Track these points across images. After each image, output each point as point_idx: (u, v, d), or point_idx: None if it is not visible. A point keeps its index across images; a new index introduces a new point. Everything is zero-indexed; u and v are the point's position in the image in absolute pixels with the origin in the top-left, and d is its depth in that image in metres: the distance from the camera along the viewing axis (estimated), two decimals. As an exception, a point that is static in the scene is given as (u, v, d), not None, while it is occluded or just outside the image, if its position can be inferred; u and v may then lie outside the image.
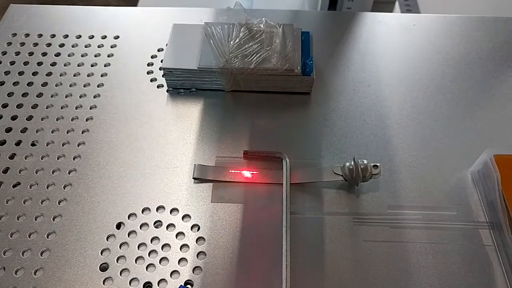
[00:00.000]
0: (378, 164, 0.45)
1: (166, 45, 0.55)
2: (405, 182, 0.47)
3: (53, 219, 0.44)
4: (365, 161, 0.45)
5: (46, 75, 0.56)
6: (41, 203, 0.45)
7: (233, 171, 0.47)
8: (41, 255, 0.42)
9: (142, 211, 0.45)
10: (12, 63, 0.57)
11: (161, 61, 0.56)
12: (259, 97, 0.54)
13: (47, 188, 0.46)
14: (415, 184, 0.47)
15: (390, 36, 0.62)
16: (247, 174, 0.47)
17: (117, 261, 0.42)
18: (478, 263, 0.42)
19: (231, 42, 0.52)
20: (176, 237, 0.43)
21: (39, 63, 0.57)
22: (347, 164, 0.45)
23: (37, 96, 0.54)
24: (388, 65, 0.58)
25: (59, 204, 0.45)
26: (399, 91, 0.55)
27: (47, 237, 0.43)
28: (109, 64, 0.57)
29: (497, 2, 0.83)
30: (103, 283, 0.40)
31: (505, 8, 0.82)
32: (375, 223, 0.44)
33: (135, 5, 0.85)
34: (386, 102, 0.54)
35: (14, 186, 0.46)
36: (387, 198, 0.46)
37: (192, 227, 0.44)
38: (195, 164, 0.47)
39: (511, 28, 0.62)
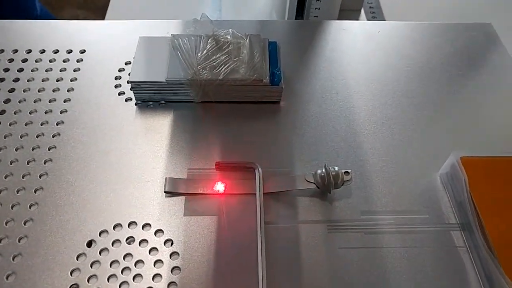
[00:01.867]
0: (349, 171, 0.46)
1: (134, 58, 0.54)
2: (376, 187, 0.47)
3: (19, 241, 0.42)
4: (336, 168, 0.45)
5: (9, 91, 0.54)
6: (5, 224, 0.43)
7: (205, 183, 0.46)
8: (7, 279, 0.40)
9: (114, 228, 0.44)
10: (-28, 80, 0.55)
11: (129, 75, 0.56)
12: (229, 107, 0.54)
13: (11, 208, 0.45)
14: (387, 188, 0.47)
15: (356, 44, 0.63)
16: (219, 185, 0.46)
17: (88, 281, 0.40)
18: (451, 265, 0.42)
19: (199, 54, 0.52)
20: (150, 253, 0.42)
21: (1, 80, 0.55)
22: (319, 171, 0.45)
23: (-1, 114, 0.52)
24: (355, 72, 0.58)
25: (24, 224, 0.43)
26: (367, 97, 0.56)
27: (13, 260, 0.41)
28: (75, 79, 0.56)
29: (456, 10, 0.86)
30: (74, 305, 0.39)
31: (464, 15, 0.84)
32: (349, 229, 0.44)
33: (103, 17, 0.83)
34: (355, 108, 0.54)
35: (-24, 208, 0.45)
36: (359, 204, 0.46)
37: (165, 242, 0.43)
38: (166, 178, 0.47)
39: (471, 33, 0.64)
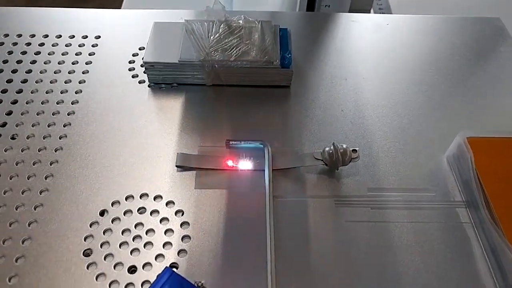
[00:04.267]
0: (357, 148, 0.46)
1: (148, 41, 0.56)
2: (384, 167, 0.48)
3: (34, 209, 0.44)
4: (344, 146, 0.46)
5: (26, 72, 0.56)
6: (22, 193, 0.45)
7: (216, 158, 0.48)
8: (22, 243, 0.41)
9: (126, 199, 0.45)
10: (-9, 61, 0.57)
11: (143, 58, 0.57)
12: (240, 90, 0.55)
13: (28, 179, 0.46)
14: (394, 168, 0.48)
15: (365, 35, 0.64)
16: (229, 161, 0.47)
17: (101, 247, 0.41)
18: (456, 240, 0.43)
19: (211, 37, 0.53)
20: (160, 222, 0.43)
21: (19, 61, 0.57)
22: (327, 149, 0.46)
23: (16, 92, 0.54)
24: (364, 61, 0.60)
25: (40, 194, 0.45)
26: (375, 84, 0.57)
27: (28, 226, 0.42)
28: (90, 62, 0.58)
29: (460, 7, 0.88)
30: (87, 268, 0.40)
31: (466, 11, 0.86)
32: (356, 204, 0.45)
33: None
34: (363, 93, 0.55)
35: (-7, 178, 0.46)
36: (367, 181, 0.47)
37: (176, 213, 0.44)
38: (177, 153, 0.48)
39: (478, 26, 0.66)
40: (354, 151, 0.46)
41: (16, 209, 0.43)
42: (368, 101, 0.55)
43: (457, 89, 0.56)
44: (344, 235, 0.43)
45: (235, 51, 0.52)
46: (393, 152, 0.50)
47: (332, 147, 0.46)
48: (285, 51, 0.54)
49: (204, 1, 0.58)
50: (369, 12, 0.96)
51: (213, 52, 0.52)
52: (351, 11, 0.83)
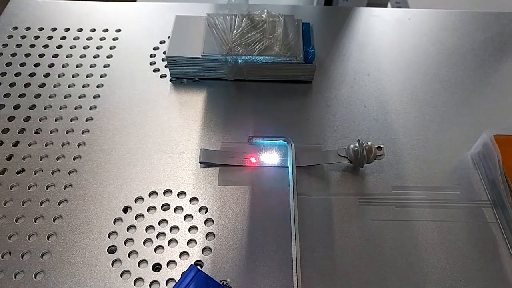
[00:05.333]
0: (382, 146, 0.46)
1: (169, 37, 0.55)
2: (407, 164, 0.48)
3: (59, 204, 0.44)
4: (369, 143, 0.46)
5: (48, 66, 0.56)
6: (46, 189, 0.45)
7: (239, 155, 0.47)
8: (48, 239, 0.41)
9: (149, 195, 0.45)
10: (14, 55, 0.57)
11: (164, 53, 0.57)
12: (262, 86, 0.55)
13: (52, 174, 0.46)
14: (418, 166, 0.48)
15: (387, 30, 0.63)
16: (252, 158, 0.47)
17: (125, 244, 0.41)
18: (482, 239, 0.42)
19: (234, 32, 0.53)
20: (184, 219, 0.43)
21: (41, 55, 0.57)
22: (352, 146, 0.46)
23: (39, 86, 0.54)
24: (386, 56, 0.59)
25: (64, 189, 0.45)
26: (398, 80, 0.56)
27: (54, 221, 0.43)
28: (111, 56, 0.58)
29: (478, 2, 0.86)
30: (112, 265, 0.40)
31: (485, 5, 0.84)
32: (380, 203, 0.45)
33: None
34: (386, 89, 0.55)
35: (18, 173, 0.46)
36: (391, 179, 0.46)
37: (200, 209, 0.44)
38: (201, 149, 0.48)
39: (502, 21, 0.64)
40: (379, 148, 0.46)
41: (41, 204, 0.44)
42: (391, 97, 0.54)
43: (480, 85, 0.56)
44: (369, 234, 0.42)
45: (258, 46, 0.52)
46: (416, 150, 0.49)
47: (357, 144, 0.46)
48: (308, 46, 0.53)
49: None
50: (386, 5, 0.95)
51: (236, 47, 0.52)
52: (369, 4, 0.83)
